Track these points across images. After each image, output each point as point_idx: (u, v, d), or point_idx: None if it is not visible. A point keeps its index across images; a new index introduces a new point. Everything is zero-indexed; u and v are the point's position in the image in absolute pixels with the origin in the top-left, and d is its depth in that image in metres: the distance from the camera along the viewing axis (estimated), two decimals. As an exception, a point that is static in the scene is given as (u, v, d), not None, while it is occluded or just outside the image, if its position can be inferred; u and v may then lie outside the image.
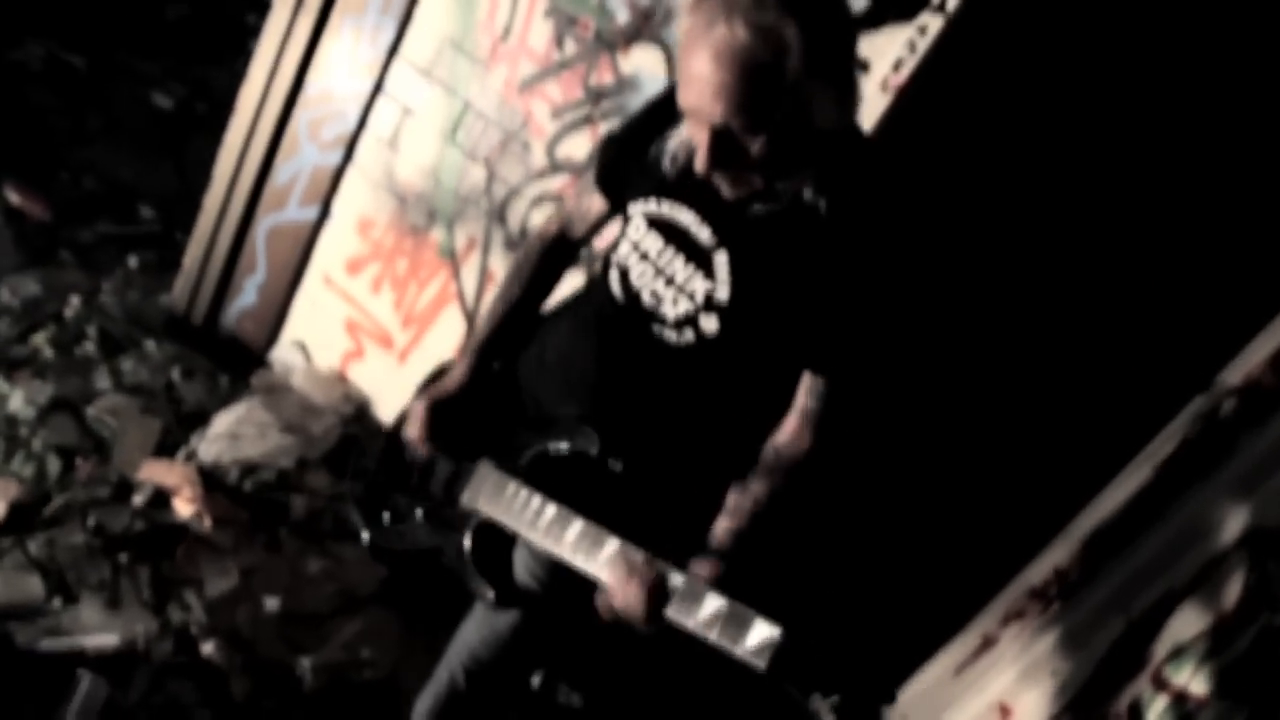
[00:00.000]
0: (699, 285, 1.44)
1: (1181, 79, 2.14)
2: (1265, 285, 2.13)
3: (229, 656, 2.31)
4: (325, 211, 2.92)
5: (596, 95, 2.45)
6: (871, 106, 2.14)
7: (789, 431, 1.48)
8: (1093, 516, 2.47)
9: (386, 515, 1.85)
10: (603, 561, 1.40)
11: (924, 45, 2.06)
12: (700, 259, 1.44)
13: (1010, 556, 2.59)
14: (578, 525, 1.45)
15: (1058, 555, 2.49)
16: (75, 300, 3.04)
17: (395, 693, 2.42)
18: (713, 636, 1.26)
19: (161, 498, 2.56)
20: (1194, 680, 1.86)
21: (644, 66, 2.37)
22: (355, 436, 2.99)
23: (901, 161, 2.18)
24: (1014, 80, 2.17)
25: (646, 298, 1.50)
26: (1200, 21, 2.10)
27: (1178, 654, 1.92)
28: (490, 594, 1.65)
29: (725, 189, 1.35)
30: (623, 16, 2.37)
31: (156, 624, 2.30)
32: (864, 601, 2.75)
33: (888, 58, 2.10)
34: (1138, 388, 2.38)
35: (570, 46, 2.45)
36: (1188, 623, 1.96)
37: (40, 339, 2.88)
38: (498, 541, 1.65)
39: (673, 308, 1.47)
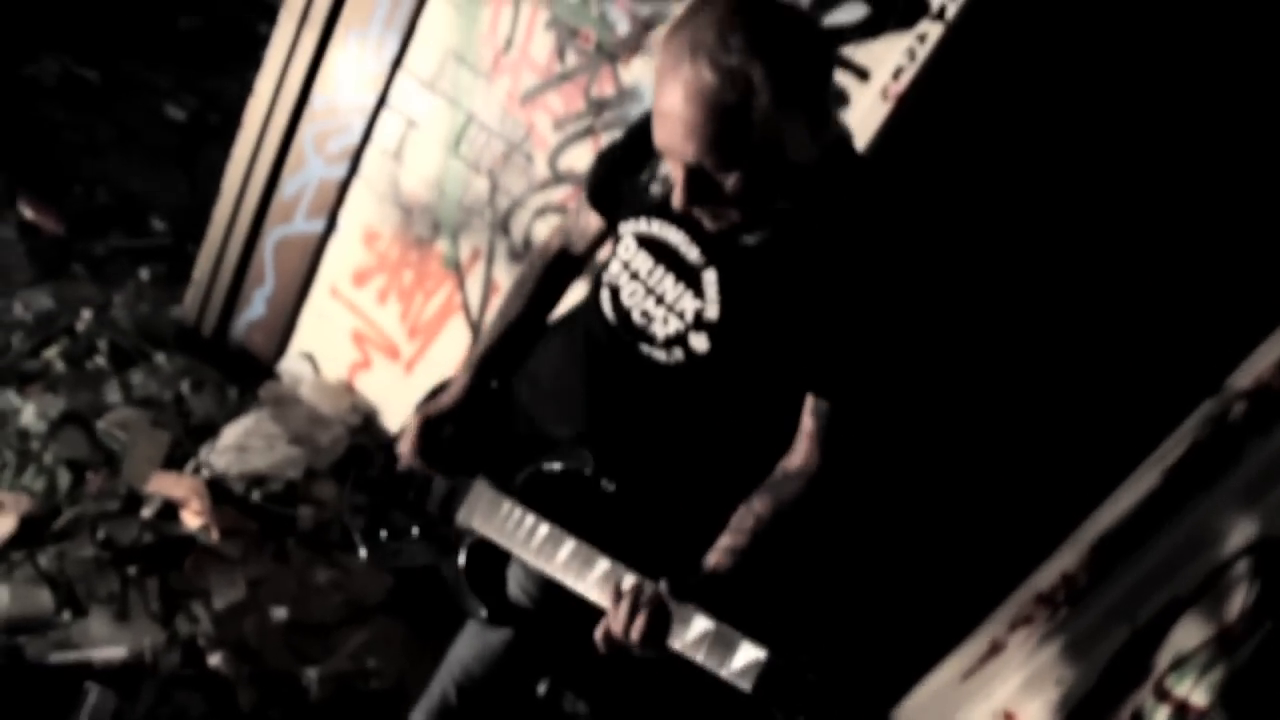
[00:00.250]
0: (688, 304, 1.45)
1: (1186, 80, 2.12)
2: (1276, 287, 2.12)
3: (236, 667, 2.33)
4: (332, 224, 2.94)
5: (598, 106, 2.46)
6: (871, 115, 2.13)
7: (799, 454, 1.47)
8: (1101, 521, 2.45)
9: (384, 532, 1.87)
10: (592, 582, 1.40)
11: (924, 53, 2.05)
12: (689, 278, 1.44)
13: (1021, 560, 2.57)
14: (569, 545, 1.46)
15: (1066, 561, 2.48)
16: (87, 314, 3.08)
17: (401, 702, 2.42)
18: (699, 657, 1.26)
19: (170, 510, 2.58)
20: (1195, 691, 1.84)
21: (645, 77, 2.37)
22: (363, 446, 3.01)
23: (901, 169, 2.20)
24: (1015, 87, 2.16)
25: (637, 317, 1.50)
26: (1203, 23, 2.08)
27: (1180, 664, 1.90)
28: (483, 612, 1.66)
29: (706, 222, 1.35)
30: (623, 28, 2.37)
31: (164, 636, 2.31)
32: (875, 605, 2.75)
33: (887, 65, 2.10)
34: (1148, 390, 2.36)
35: (571, 58, 2.46)
36: (1191, 632, 1.94)
37: (52, 353, 2.91)
38: (492, 559, 1.66)
39: (663, 327, 1.48)
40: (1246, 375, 2.21)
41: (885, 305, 1.39)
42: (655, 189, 1.48)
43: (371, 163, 2.82)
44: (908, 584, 2.74)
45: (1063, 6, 2.09)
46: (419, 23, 2.61)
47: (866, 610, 2.76)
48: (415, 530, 1.82)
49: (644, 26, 2.35)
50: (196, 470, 2.71)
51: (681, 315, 1.46)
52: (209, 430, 2.85)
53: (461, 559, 1.68)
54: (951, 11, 2.00)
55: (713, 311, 1.43)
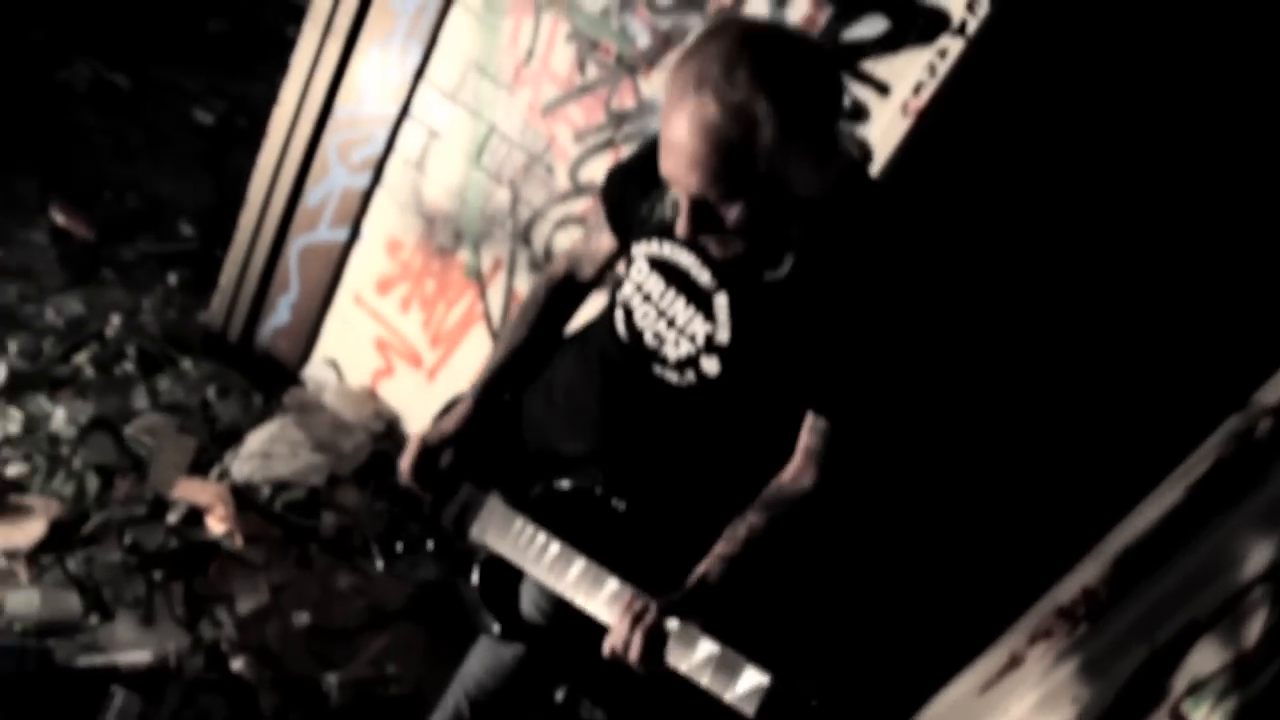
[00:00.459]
0: (699, 327, 1.46)
1: (1212, 93, 2.10)
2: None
3: (258, 672, 2.37)
4: (355, 232, 2.97)
5: (618, 119, 2.46)
6: (891, 130, 2.13)
7: (793, 469, 1.48)
8: (1123, 535, 2.43)
9: (400, 544, 1.89)
10: (602, 601, 1.42)
11: (944, 68, 2.04)
12: (701, 301, 1.45)
13: (1044, 571, 2.56)
14: (579, 564, 1.47)
15: (1087, 574, 2.46)
16: (116, 319, 3.13)
17: (420, 708, 2.45)
18: (704, 680, 1.28)
19: (195, 515, 2.63)
20: (1210, 718, 1.82)
21: (665, 90, 2.37)
22: (386, 453, 3.04)
23: (921, 185, 2.19)
24: (1036, 104, 2.14)
25: (649, 338, 1.51)
26: (1231, 35, 2.06)
27: (1196, 689, 1.88)
28: (496, 627, 1.68)
29: (713, 249, 1.36)
30: (643, 41, 2.38)
31: (188, 640, 2.36)
32: (898, 613, 2.74)
33: (908, 81, 2.09)
34: (1175, 403, 2.34)
35: (592, 70, 2.47)
36: (1208, 657, 1.92)
37: (82, 358, 2.96)
38: (505, 575, 1.67)
39: (674, 349, 1.49)
40: (1273, 391, 2.18)
41: (893, 331, 1.40)
42: (668, 211, 1.49)
43: (394, 172, 2.85)
44: (931, 592, 2.74)
45: (1085, 23, 2.07)
46: (441, 34, 2.63)
47: (890, 617, 2.76)
48: (430, 544, 1.85)
49: (664, 40, 2.35)
50: (221, 476, 2.75)
51: (693, 338, 1.47)
52: (234, 436, 2.90)
53: (475, 575, 1.70)
54: (973, 27, 1.99)
55: (724, 335, 1.44)
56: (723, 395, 1.49)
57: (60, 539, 2.44)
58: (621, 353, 1.56)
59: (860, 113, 2.17)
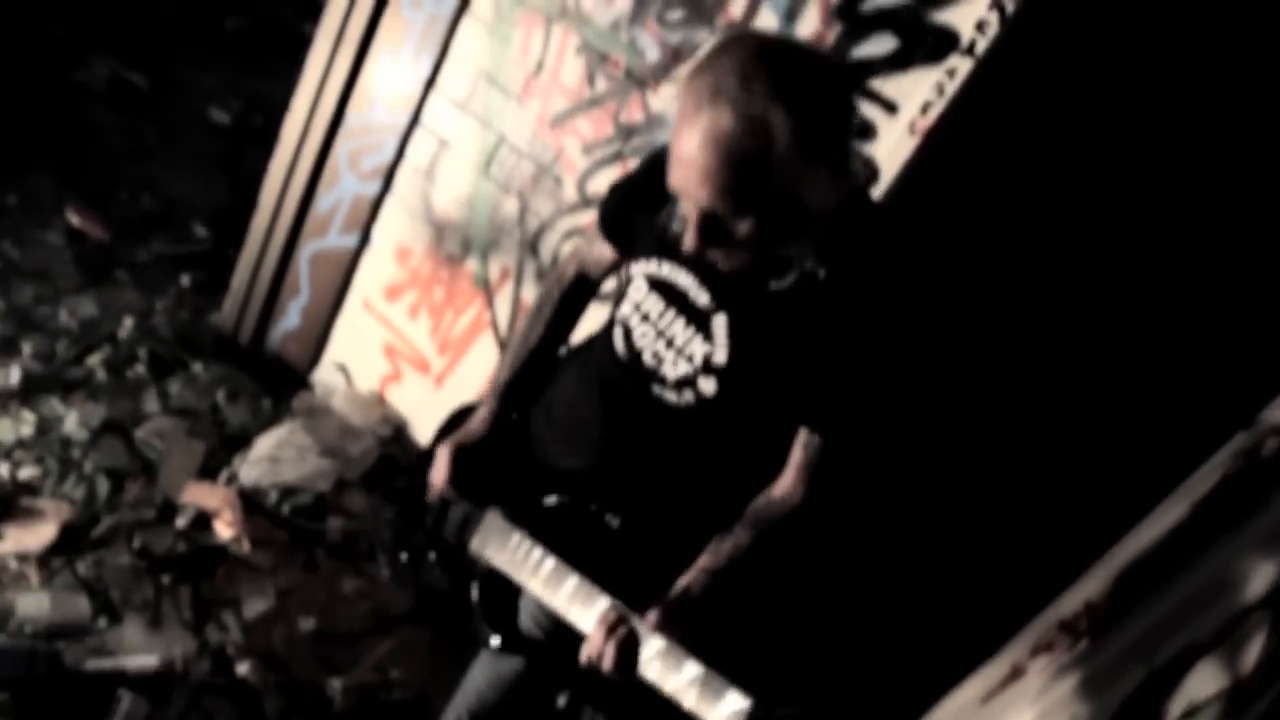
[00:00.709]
0: (698, 348, 1.46)
1: (1219, 114, 2.09)
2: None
3: (263, 676, 2.39)
4: (365, 239, 2.99)
5: (627, 132, 2.47)
6: (899, 149, 2.13)
7: (783, 484, 1.48)
8: (1127, 550, 2.43)
9: (404, 554, 1.91)
10: (592, 618, 1.43)
11: (952, 88, 2.04)
12: (699, 322, 1.45)
13: (1049, 582, 2.56)
14: (572, 581, 1.49)
15: (1090, 588, 2.45)
16: (129, 321, 3.16)
17: (424, 712, 2.48)
18: (688, 702, 1.29)
19: (203, 520, 2.65)
20: (1205, 746, 1.82)
21: (673, 105, 2.38)
22: (393, 457, 3.06)
23: (927, 205, 2.19)
24: (1044, 125, 2.13)
25: (648, 358, 1.52)
26: (1243, 56, 2.05)
27: (1192, 714, 1.88)
28: (495, 640, 1.69)
29: (720, 262, 1.36)
30: (653, 55, 2.38)
31: (195, 644, 2.39)
32: (903, 620, 2.75)
33: (915, 100, 2.08)
34: (1184, 417, 2.33)
35: (601, 83, 2.47)
36: (1206, 681, 1.91)
37: (95, 360, 3.00)
38: (505, 588, 1.69)
39: (673, 369, 1.49)
40: (1280, 410, 2.18)
41: (891, 350, 1.40)
42: (671, 228, 1.49)
43: (404, 180, 2.87)
44: (936, 600, 2.74)
45: (1095, 46, 2.06)
46: (452, 44, 2.64)
47: (895, 624, 2.77)
48: (433, 555, 1.86)
49: (673, 54, 2.35)
50: (230, 480, 2.78)
51: (691, 359, 1.47)
52: (243, 440, 2.92)
53: (475, 587, 1.71)
54: (982, 47, 1.99)
55: (721, 356, 1.44)
56: (720, 415, 1.49)
57: (71, 542, 2.47)
58: (620, 371, 1.56)
59: (867, 131, 2.17)
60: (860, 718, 2.72)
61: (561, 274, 1.79)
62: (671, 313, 1.48)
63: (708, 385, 1.47)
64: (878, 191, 2.17)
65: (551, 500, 1.63)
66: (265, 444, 2.85)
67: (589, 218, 2.57)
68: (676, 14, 2.32)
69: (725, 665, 1.35)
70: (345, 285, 3.08)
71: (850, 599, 2.75)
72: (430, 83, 2.71)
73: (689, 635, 1.38)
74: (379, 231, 2.98)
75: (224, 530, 2.63)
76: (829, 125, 1.20)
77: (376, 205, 2.93)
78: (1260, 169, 2.12)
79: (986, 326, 2.37)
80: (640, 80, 2.42)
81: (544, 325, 1.77)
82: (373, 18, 2.69)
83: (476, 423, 1.76)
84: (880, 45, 2.11)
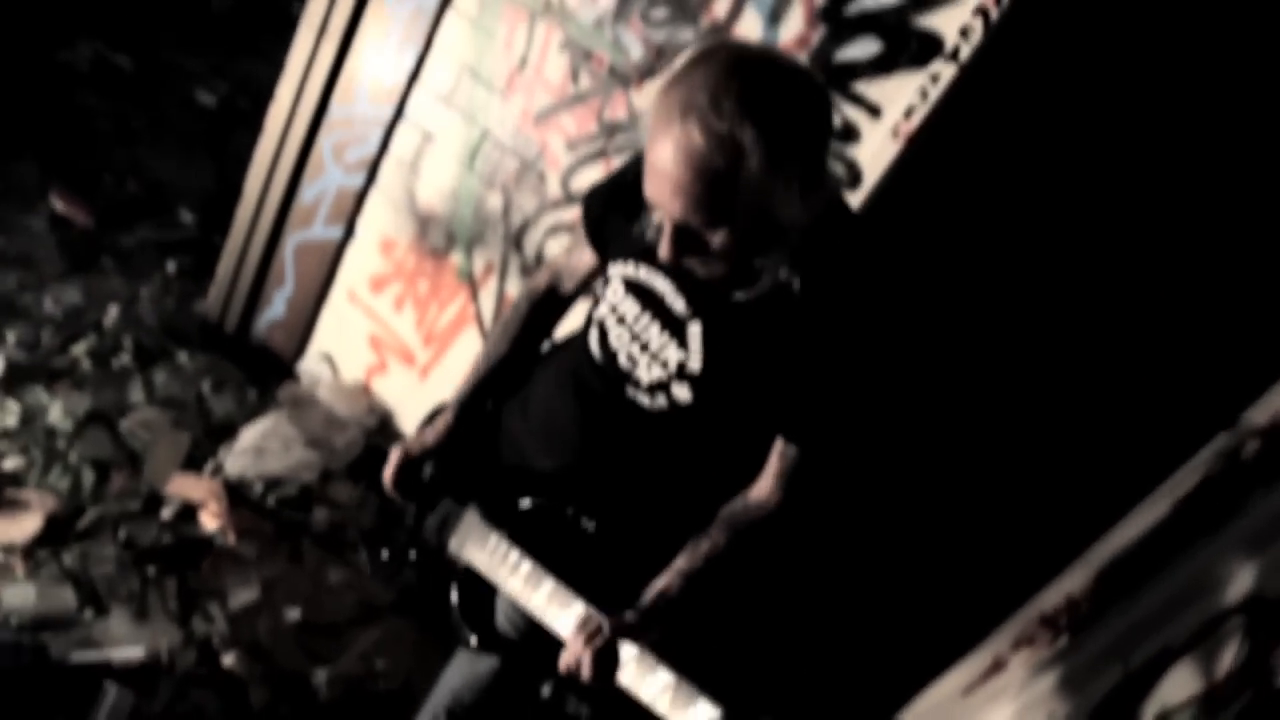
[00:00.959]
0: (672, 354, 1.46)
1: (1200, 116, 2.09)
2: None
3: (249, 667, 2.42)
4: (350, 231, 2.99)
5: (610, 129, 2.46)
6: (882, 153, 2.13)
7: (760, 490, 1.50)
8: (1109, 546, 2.45)
9: (385, 551, 1.93)
10: (568, 621, 1.46)
11: (936, 93, 2.04)
12: (674, 328, 1.45)
13: (1032, 575, 2.60)
14: (548, 584, 1.51)
15: (1072, 583, 2.48)
16: (114, 309, 3.16)
17: (408, 702, 2.51)
18: (661, 708, 1.32)
19: (189, 511, 2.67)
20: (1175, 751, 1.86)
21: (651, 114, 2.37)
22: (379, 447, 3.07)
23: (910, 209, 2.19)
24: (1027, 132, 2.13)
25: (623, 360, 1.52)
26: (1220, 60, 2.05)
27: (1165, 718, 1.91)
28: (472, 639, 1.71)
29: (696, 270, 1.36)
30: (636, 53, 2.37)
31: (181, 635, 2.41)
32: (889, 610, 2.78)
33: (899, 104, 2.08)
34: (1169, 415, 2.36)
35: (585, 80, 2.47)
36: (1179, 685, 1.94)
37: (80, 349, 3.00)
38: (482, 588, 1.70)
39: (647, 373, 1.50)
40: (1263, 412, 2.19)
41: (865, 362, 1.40)
42: (648, 232, 1.49)
43: (388, 173, 2.86)
44: (921, 591, 2.77)
45: (1079, 53, 2.06)
46: (435, 38, 2.63)
47: (879, 615, 2.80)
48: (413, 553, 1.88)
49: (657, 53, 2.34)
50: (215, 472, 2.79)
51: (665, 364, 1.47)
52: (228, 430, 2.93)
53: (453, 587, 1.73)
54: (966, 53, 1.98)
55: (695, 363, 1.45)
56: (694, 421, 1.50)
57: (56, 533, 2.48)
58: (595, 373, 1.57)
59: (851, 134, 2.17)
60: (839, 715, 2.76)
61: (532, 288, 1.78)
62: (647, 317, 1.48)
63: (681, 391, 1.48)
64: (860, 194, 2.17)
65: (527, 503, 1.65)
66: (250, 435, 2.86)
67: (573, 215, 2.58)
68: (660, 12, 2.31)
69: (701, 668, 1.38)
70: (330, 276, 3.08)
71: (834, 590, 2.78)
72: (414, 76, 2.69)
73: (665, 638, 1.40)
74: (364, 224, 2.97)
75: (209, 522, 2.65)
76: (801, 142, 1.20)
77: (361, 197, 2.92)
78: (1244, 173, 2.12)
79: (970, 325, 2.38)
80: (624, 78, 2.41)
81: (509, 341, 1.77)
82: (356, 9, 2.67)
83: (432, 432, 1.76)
84: (864, 48, 2.11)
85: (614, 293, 1.52)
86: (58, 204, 3.48)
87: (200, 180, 4.05)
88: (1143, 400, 2.42)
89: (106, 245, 3.48)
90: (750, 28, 2.21)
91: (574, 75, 2.47)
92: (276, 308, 3.18)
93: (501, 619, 1.78)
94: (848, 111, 2.15)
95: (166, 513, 2.64)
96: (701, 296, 1.42)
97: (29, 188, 3.54)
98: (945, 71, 2.02)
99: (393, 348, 3.06)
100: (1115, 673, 2.19)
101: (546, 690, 2.81)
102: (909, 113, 2.07)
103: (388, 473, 1.76)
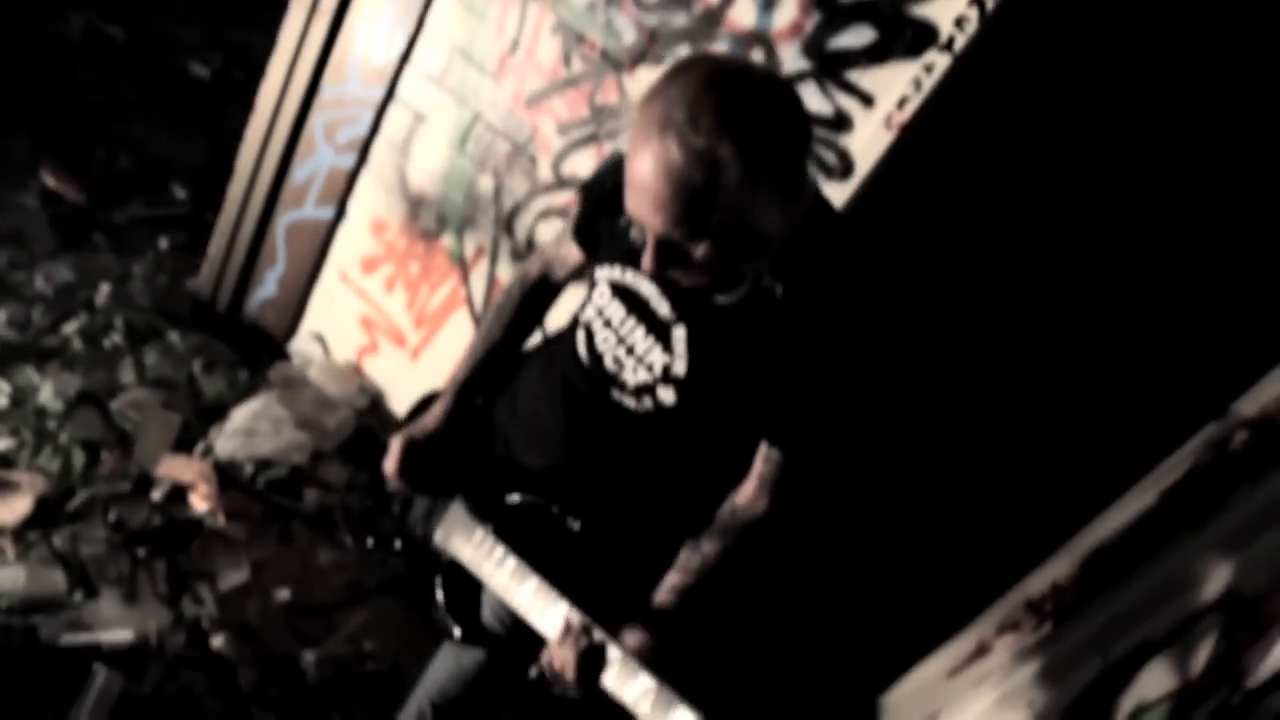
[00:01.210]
0: (657, 358, 1.46)
1: (1193, 108, 2.07)
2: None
3: (238, 649, 2.44)
4: (341, 211, 2.97)
5: (601, 114, 2.44)
6: (875, 142, 2.11)
7: (746, 495, 1.51)
8: (1095, 534, 2.47)
9: (370, 540, 1.93)
10: (551, 621, 1.46)
11: (930, 84, 2.02)
12: (659, 332, 1.46)
13: (1020, 559, 2.61)
14: (533, 582, 1.51)
15: (1058, 569, 2.50)
16: (105, 287, 3.15)
17: (397, 683, 2.53)
18: (641, 713, 1.33)
19: (179, 493, 2.67)
20: (1152, 746, 1.87)
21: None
22: (369, 428, 3.08)
23: (902, 199, 2.18)
24: (1021, 124, 2.11)
25: (609, 362, 1.52)
26: (1212, 52, 2.02)
27: (1141, 712, 1.93)
28: (457, 631, 1.72)
29: (681, 279, 1.36)
30: (629, 36, 2.34)
31: (170, 617, 2.42)
32: (877, 593, 2.80)
33: (893, 94, 2.06)
34: (1159, 404, 2.36)
35: (577, 64, 2.44)
36: (1155, 680, 1.96)
37: (71, 328, 2.99)
38: (467, 580, 1.71)
39: (632, 375, 1.50)
40: (1252, 403, 2.19)
41: (845, 370, 1.40)
42: (634, 234, 1.48)
43: (380, 154, 2.84)
44: (908, 575, 2.79)
45: (1075, 45, 2.03)
46: (427, 18, 2.59)
47: (868, 597, 2.82)
48: (398, 543, 1.88)
49: (650, 36, 2.31)
50: (205, 453, 2.79)
51: (650, 368, 1.48)
52: (219, 411, 2.93)
53: (438, 579, 1.73)
54: (960, 44, 1.96)
55: (680, 367, 1.45)
56: (679, 424, 1.50)
57: (46, 515, 2.49)
58: (582, 374, 1.57)
59: (844, 122, 2.15)
60: (824, 695, 2.79)
61: (525, 274, 1.79)
62: (633, 320, 1.48)
63: (666, 395, 1.48)
64: (852, 184, 2.16)
65: (515, 499, 1.65)
66: (241, 416, 2.86)
67: (564, 199, 2.57)
68: (653, -4, 2.28)
69: (687, 672, 1.39)
70: (322, 256, 3.07)
71: (821, 572, 2.79)
72: (405, 57, 2.66)
73: (664, 654, 1.41)
74: (355, 204, 2.95)
75: (199, 503, 2.66)
76: (779, 155, 1.20)
77: (352, 178, 2.90)
78: (1236, 165, 2.11)
79: (961, 315, 2.37)
80: (616, 62, 2.38)
81: (503, 326, 1.78)
82: (347, -11, 2.64)
83: (431, 418, 1.78)
84: (858, 36, 2.08)
85: (600, 295, 1.52)
86: (49, 179, 3.45)
87: (194, 155, 4.02)
88: (1133, 389, 2.42)
89: (98, 222, 3.46)
90: (744, 13, 2.18)
91: (566, 58, 2.45)
92: (268, 287, 3.17)
93: (487, 613, 1.79)
94: (840, 100, 2.13)
95: (156, 494, 2.64)
96: (686, 301, 1.42)
97: (20, 163, 3.52)
98: (940, 62, 1.99)
99: (384, 329, 3.05)
100: (1095, 665, 2.20)
101: (534, 672, 2.83)
102: (902, 103, 2.05)
103: (391, 462, 1.76)
